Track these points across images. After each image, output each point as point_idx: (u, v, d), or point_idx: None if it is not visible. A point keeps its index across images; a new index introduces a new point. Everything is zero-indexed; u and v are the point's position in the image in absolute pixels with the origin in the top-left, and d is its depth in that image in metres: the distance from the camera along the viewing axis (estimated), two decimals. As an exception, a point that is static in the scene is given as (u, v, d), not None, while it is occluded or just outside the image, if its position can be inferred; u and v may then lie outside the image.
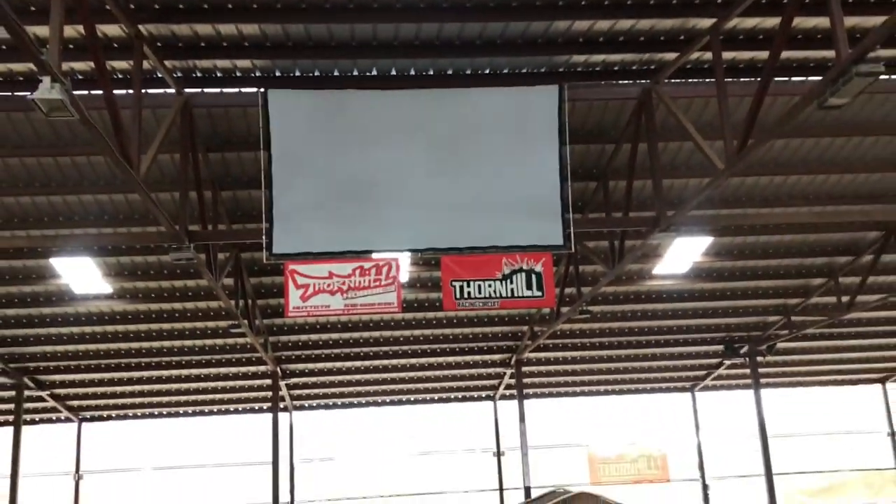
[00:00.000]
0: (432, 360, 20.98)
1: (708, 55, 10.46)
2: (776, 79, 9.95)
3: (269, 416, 21.14)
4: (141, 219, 13.39)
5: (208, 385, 21.43)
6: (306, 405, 23.28)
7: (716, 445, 23.86)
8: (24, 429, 21.15)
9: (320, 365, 20.97)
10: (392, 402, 23.61)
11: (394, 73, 10.79)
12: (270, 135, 10.44)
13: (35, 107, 6.88)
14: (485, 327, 19.80)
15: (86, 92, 9.45)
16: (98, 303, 16.59)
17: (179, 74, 10.50)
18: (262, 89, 10.44)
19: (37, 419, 22.43)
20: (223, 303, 14.65)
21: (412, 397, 23.50)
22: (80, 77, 10.12)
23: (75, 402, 22.04)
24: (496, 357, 21.25)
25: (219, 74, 10.62)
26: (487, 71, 10.85)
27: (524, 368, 21.37)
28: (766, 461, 21.33)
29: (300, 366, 21.01)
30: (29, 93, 6.81)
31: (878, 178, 13.99)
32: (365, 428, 23.75)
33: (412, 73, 10.79)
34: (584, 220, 13.62)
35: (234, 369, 20.64)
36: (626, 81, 11.27)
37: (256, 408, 22.98)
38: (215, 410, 23.09)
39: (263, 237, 10.74)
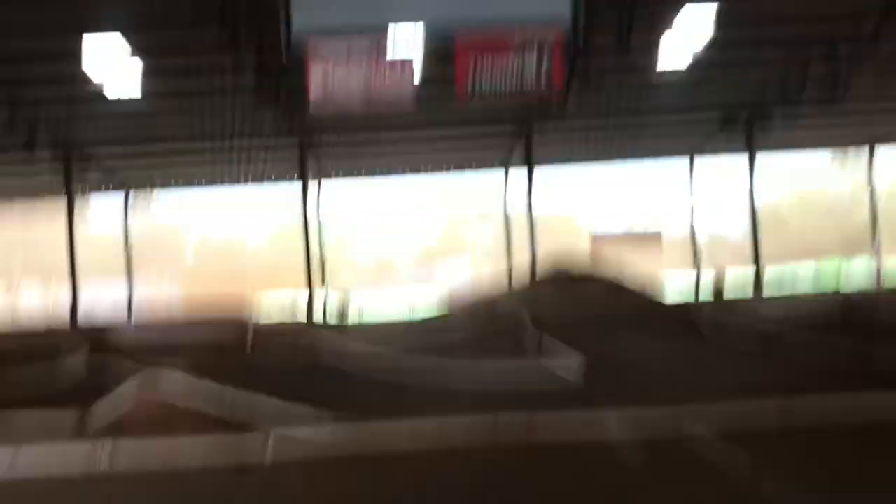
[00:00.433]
0: (446, 132, 22.29)
1: None
2: None
3: (299, 184, 23.06)
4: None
5: (241, 156, 22.90)
6: (331, 175, 24.84)
7: (709, 212, 25.85)
8: (76, 200, 23.24)
9: (344, 137, 22.17)
10: (409, 171, 25.23)
11: None
12: None
13: None
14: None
15: None
16: (136, 78, 17.72)
17: None
18: None
19: (87, 191, 24.35)
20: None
21: (428, 167, 25.09)
22: None
23: (120, 176, 23.84)
24: (507, 128, 22.48)
25: None
26: None
27: (534, 137, 22.74)
28: (753, 225, 23.06)
29: (325, 137, 22.28)
30: None
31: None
32: (385, 197, 25.63)
33: None
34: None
35: (263, 141, 21.92)
36: None
37: (286, 177, 24.51)
38: (249, 180, 24.84)
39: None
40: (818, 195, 27.22)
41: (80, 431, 5.44)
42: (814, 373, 8.62)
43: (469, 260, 25.45)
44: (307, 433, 5.17)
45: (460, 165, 25.28)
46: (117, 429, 5.56)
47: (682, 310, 13.38)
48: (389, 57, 13.13)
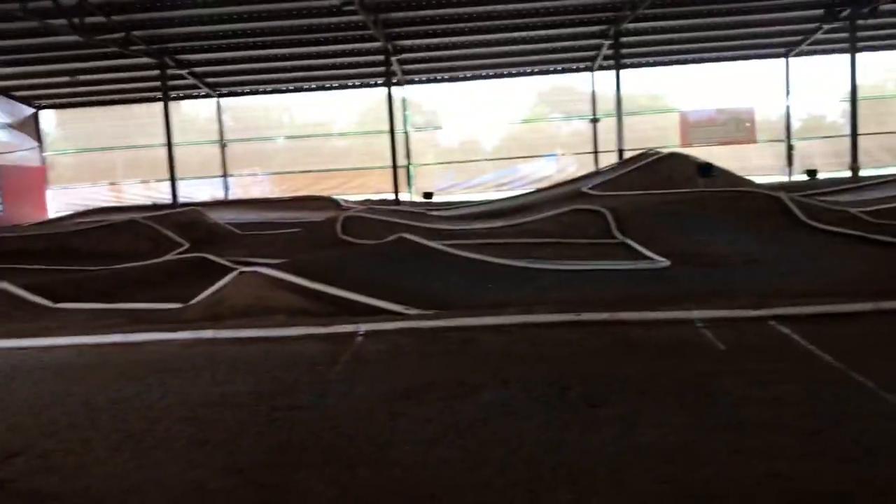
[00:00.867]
0: (532, 33, 21.96)
1: None
2: None
3: (384, 89, 23.43)
4: None
5: (326, 62, 23.33)
6: (416, 79, 25.08)
7: (804, 109, 24.89)
8: (171, 104, 24.15)
9: (428, 41, 22.25)
10: (495, 75, 25.09)
11: None
12: None
13: None
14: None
15: None
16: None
17: None
18: None
19: (181, 94, 25.23)
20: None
21: (515, 70, 24.85)
22: None
23: (212, 79, 24.54)
24: (595, 29, 22.01)
25: None
26: None
27: (622, 39, 22.20)
28: (852, 121, 22.07)
29: (409, 42, 22.38)
30: None
31: None
32: (471, 99, 25.62)
33: None
34: None
35: (348, 46, 22.30)
36: None
37: (372, 82, 24.89)
38: (335, 85, 25.25)
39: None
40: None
41: (179, 325, 5.84)
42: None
43: (556, 160, 25.33)
44: (394, 325, 5.47)
45: (546, 68, 24.92)
46: (214, 321, 5.95)
47: (773, 191, 12.70)
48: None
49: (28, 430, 3.70)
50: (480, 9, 20.35)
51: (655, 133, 24.35)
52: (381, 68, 23.08)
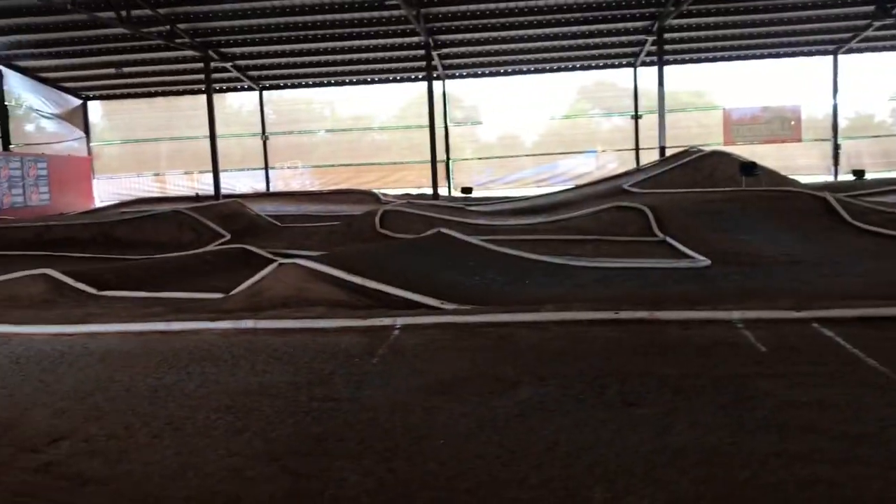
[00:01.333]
0: (574, 28, 21.82)
1: None
2: None
3: (424, 84, 23.46)
4: None
5: (368, 56, 23.42)
6: (457, 73, 25.09)
7: (852, 107, 24.38)
8: (214, 97, 24.41)
9: (469, 35, 22.24)
10: (536, 70, 24.97)
11: None
12: None
13: None
14: (629, -6, 20.28)
15: None
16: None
17: None
18: None
19: (224, 87, 25.55)
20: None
21: (556, 65, 24.71)
22: None
23: (255, 72, 24.81)
24: (638, 24, 21.82)
25: None
26: None
27: (665, 35, 21.97)
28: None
29: (450, 36, 22.38)
30: None
31: None
32: (511, 94, 25.55)
33: None
34: None
35: (389, 41, 22.37)
36: None
37: (412, 77, 24.96)
38: (376, 79, 25.35)
39: None
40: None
41: (220, 315, 5.91)
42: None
43: (596, 157, 25.17)
44: (431, 319, 5.48)
45: (588, 63, 24.76)
46: (254, 311, 6.03)
47: (818, 191, 12.49)
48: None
49: (73, 415, 3.78)
50: (522, 3, 20.29)
51: (698, 130, 24.16)
52: (422, 62, 23.12)
